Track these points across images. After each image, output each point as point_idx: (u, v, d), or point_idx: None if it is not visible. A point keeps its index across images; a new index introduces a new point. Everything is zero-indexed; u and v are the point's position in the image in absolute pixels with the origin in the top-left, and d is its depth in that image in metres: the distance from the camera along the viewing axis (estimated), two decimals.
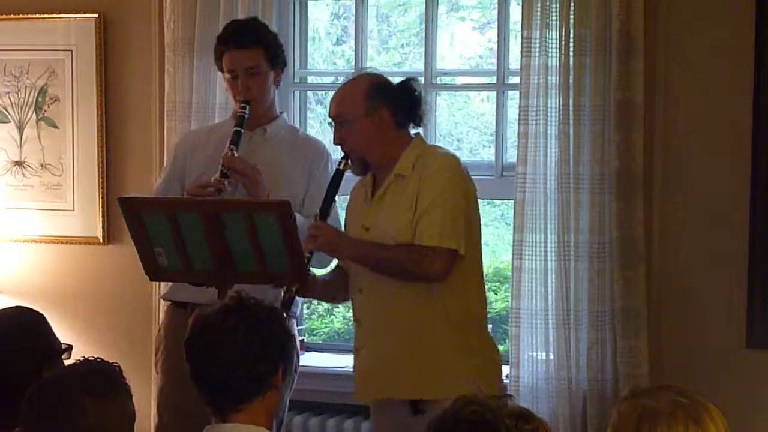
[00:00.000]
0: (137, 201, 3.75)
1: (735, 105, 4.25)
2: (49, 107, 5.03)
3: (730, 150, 4.28)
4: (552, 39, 4.27)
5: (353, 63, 4.85)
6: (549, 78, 4.28)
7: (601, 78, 4.25)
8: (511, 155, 4.60)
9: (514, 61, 4.57)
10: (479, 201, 3.83)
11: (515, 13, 4.60)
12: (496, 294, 5.58)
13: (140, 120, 4.91)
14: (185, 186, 4.13)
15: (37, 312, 3.07)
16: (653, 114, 4.30)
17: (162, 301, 4.42)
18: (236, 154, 3.98)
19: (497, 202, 5.51)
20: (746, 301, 4.25)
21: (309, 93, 5.12)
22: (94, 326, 4.97)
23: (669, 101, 4.31)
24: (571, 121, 4.26)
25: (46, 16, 4.99)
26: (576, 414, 4.30)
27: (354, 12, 4.88)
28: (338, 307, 5.45)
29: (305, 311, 5.05)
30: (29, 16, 5.01)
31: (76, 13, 4.95)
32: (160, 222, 3.60)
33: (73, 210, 5.03)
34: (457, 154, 3.94)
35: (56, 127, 5.03)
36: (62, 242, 5.04)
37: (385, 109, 3.73)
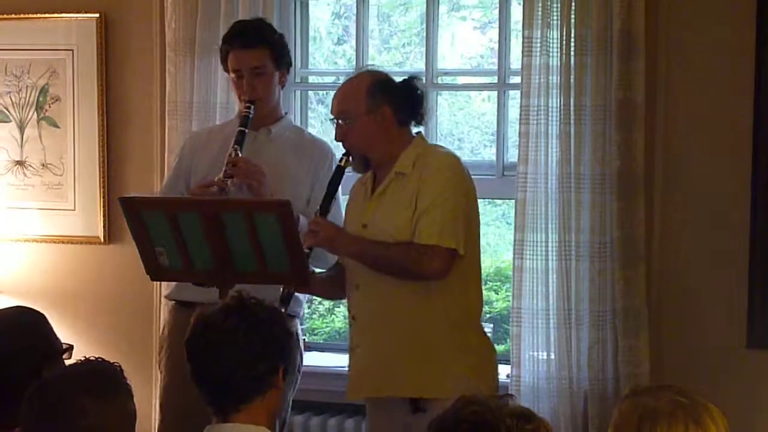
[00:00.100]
0: (138, 201, 3.75)
1: (736, 105, 4.25)
2: (50, 107, 5.03)
3: (731, 150, 4.28)
4: (553, 38, 4.27)
5: (354, 62, 4.85)
6: (550, 77, 4.28)
7: (602, 77, 4.25)
8: (512, 155, 4.60)
9: (515, 60, 4.57)
10: (480, 201, 3.84)
11: (516, 12, 4.60)
12: (497, 294, 5.58)
13: (141, 120, 4.91)
14: (190, 186, 4.13)
15: (38, 312, 3.07)
16: (654, 114, 4.30)
17: (166, 300, 4.42)
18: (240, 155, 3.98)
19: (498, 201, 5.51)
20: (746, 301, 4.25)
21: (310, 92, 5.12)
22: (94, 326, 4.97)
23: (670, 101, 4.31)
24: (572, 121, 4.26)
25: (47, 15, 5.00)
26: (577, 413, 4.30)
27: (355, 11, 4.88)
28: (339, 307, 5.45)
29: (306, 311, 5.05)
30: (30, 15, 5.01)
31: (77, 12, 4.95)
32: (161, 222, 3.60)
33: (74, 210, 5.03)
34: (458, 153, 3.94)
35: (57, 127, 5.03)
36: (63, 242, 5.04)
37: (387, 106, 3.73)
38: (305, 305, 4.55)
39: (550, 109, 4.29)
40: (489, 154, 5.19)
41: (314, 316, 5.67)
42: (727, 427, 2.58)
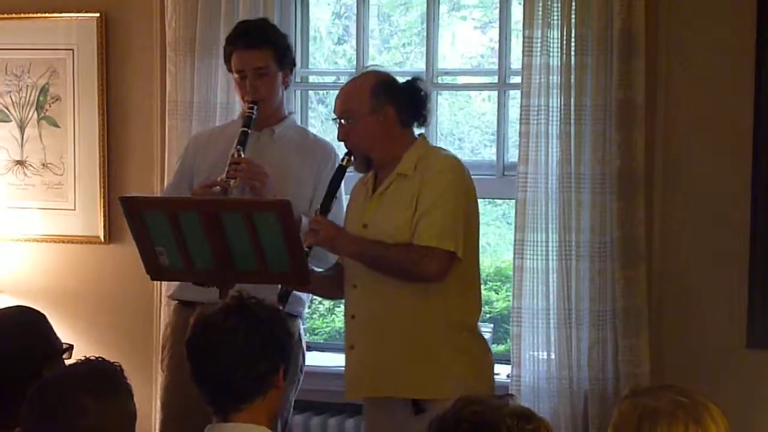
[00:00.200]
0: (138, 200, 3.76)
1: (736, 104, 4.25)
2: (50, 106, 5.03)
3: (731, 149, 4.28)
4: (553, 38, 4.27)
5: (354, 62, 4.85)
6: (550, 77, 4.29)
7: (602, 77, 4.25)
8: (512, 155, 4.60)
9: (516, 60, 4.57)
10: (480, 201, 3.84)
11: (517, 12, 4.60)
12: (498, 293, 5.58)
13: (141, 119, 4.91)
14: (193, 187, 4.13)
15: (38, 311, 3.07)
16: (654, 113, 4.30)
17: (169, 300, 4.42)
18: (243, 155, 3.98)
19: (498, 201, 5.51)
20: (747, 300, 4.25)
21: (310, 92, 5.12)
22: (95, 326, 4.97)
23: (670, 100, 4.31)
24: (572, 121, 4.26)
25: (47, 15, 4.99)
26: (577, 413, 4.30)
27: (355, 11, 4.88)
28: (339, 306, 5.44)
29: (306, 310, 5.04)
30: (31, 15, 5.01)
31: (78, 12, 4.95)
32: (161, 221, 3.60)
33: (75, 209, 5.03)
34: (459, 153, 3.96)
35: (57, 127, 5.03)
36: (63, 241, 5.04)
37: (390, 107, 3.73)
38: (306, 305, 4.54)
39: (550, 109, 4.29)
40: (489, 153, 5.19)
41: (314, 315, 5.67)
42: (727, 427, 2.58)
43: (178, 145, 4.61)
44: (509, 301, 4.52)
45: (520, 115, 4.33)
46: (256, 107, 4.07)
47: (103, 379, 2.60)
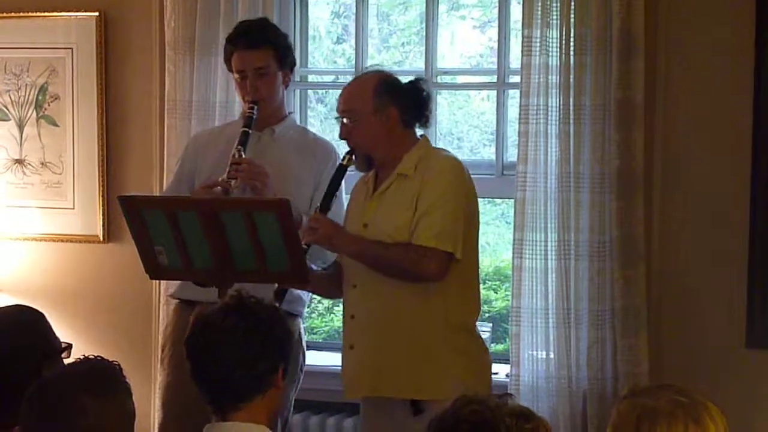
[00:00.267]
0: (137, 199, 3.76)
1: (735, 104, 4.25)
2: (49, 105, 5.03)
3: (731, 149, 4.28)
4: (552, 38, 4.28)
5: (354, 62, 4.85)
6: (549, 77, 4.28)
7: (601, 77, 4.25)
8: (511, 154, 4.60)
9: (515, 60, 4.57)
10: (479, 200, 3.84)
11: (516, 11, 4.60)
12: (497, 293, 5.59)
13: (141, 118, 4.91)
14: (194, 187, 4.13)
15: (37, 311, 3.07)
16: (653, 113, 4.30)
17: (170, 299, 4.42)
18: (244, 155, 3.98)
19: (497, 201, 5.51)
20: (746, 300, 4.25)
21: (309, 91, 5.12)
22: (94, 325, 4.97)
23: (669, 100, 4.31)
24: (571, 120, 4.26)
25: (46, 14, 4.99)
26: (576, 413, 4.30)
27: (354, 11, 4.87)
28: (338, 306, 5.44)
29: (305, 310, 5.04)
30: (30, 14, 5.01)
31: (77, 11, 4.95)
32: (161, 220, 3.60)
33: (74, 208, 5.03)
34: (458, 153, 3.96)
35: (56, 125, 5.02)
36: (62, 240, 5.04)
37: (393, 107, 3.73)
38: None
39: (549, 109, 4.29)
40: (488, 153, 5.19)
41: (313, 315, 5.68)
42: (726, 427, 2.58)
43: (177, 145, 4.61)
44: (508, 300, 4.52)
45: (519, 114, 4.33)
46: (256, 107, 4.07)
47: (102, 378, 2.60)
